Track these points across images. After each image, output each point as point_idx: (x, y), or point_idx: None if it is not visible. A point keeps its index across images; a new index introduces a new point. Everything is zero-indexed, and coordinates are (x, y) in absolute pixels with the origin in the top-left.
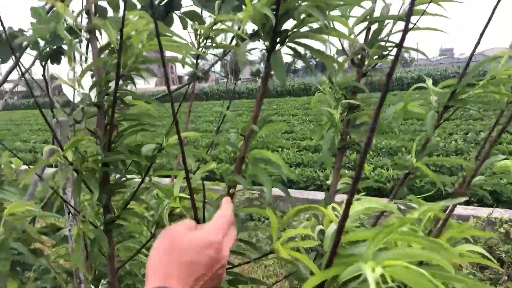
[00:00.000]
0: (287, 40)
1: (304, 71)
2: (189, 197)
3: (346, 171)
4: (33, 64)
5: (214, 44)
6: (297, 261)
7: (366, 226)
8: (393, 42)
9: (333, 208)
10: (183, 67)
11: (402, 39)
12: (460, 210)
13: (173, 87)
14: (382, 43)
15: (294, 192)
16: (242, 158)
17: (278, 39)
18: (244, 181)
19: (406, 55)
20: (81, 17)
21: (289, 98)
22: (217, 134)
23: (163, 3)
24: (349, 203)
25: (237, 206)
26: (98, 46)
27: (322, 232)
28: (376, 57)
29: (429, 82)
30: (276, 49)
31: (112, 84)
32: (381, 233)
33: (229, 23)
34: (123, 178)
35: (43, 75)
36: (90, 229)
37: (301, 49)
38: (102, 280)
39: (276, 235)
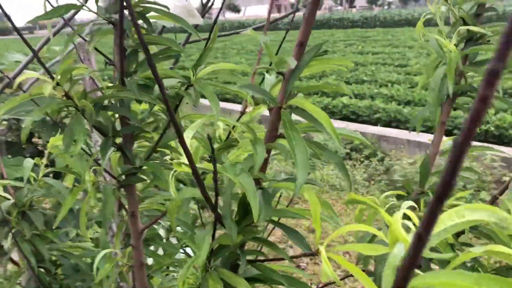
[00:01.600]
0: None
1: None
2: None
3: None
4: None
5: None
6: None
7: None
8: None
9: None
10: None
11: None
12: None
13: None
14: None
15: (400, 133)
16: (278, 109)
17: None
18: (263, 153)
19: None
20: None
21: (406, 28)
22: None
23: None
24: (431, 219)
25: (270, 179)
26: None
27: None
28: None
29: None
30: None
31: None
32: None
33: None
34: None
35: None
36: (101, 182)
37: None
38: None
39: (320, 229)
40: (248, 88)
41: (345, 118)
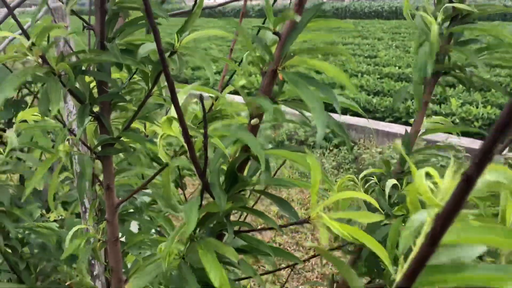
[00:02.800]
0: None
1: None
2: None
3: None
4: None
5: None
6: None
7: None
8: None
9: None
10: None
11: None
12: None
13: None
14: None
15: (368, 123)
16: (273, 71)
17: None
18: (271, 106)
19: None
20: None
21: (376, 20)
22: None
23: None
24: (486, 156)
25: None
26: None
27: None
28: None
29: None
30: None
31: None
32: None
33: None
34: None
35: None
36: (76, 153)
37: None
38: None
39: (316, 197)
40: (251, 38)
41: None
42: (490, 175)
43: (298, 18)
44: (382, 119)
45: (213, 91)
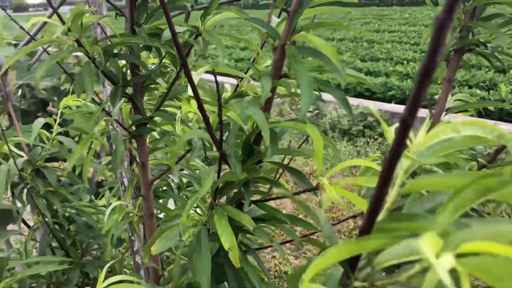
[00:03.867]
0: None
1: None
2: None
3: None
4: None
5: None
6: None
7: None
8: None
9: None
10: None
11: None
12: None
13: None
14: None
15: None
16: (282, 47)
17: None
18: (268, 84)
19: None
20: None
21: (424, 7)
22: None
23: None
24: (406, 125)
25: (273, 121)
26: None
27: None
28: None
29: None
30: None
31: None
32: (469, 188)
33: None
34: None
35: None
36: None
37: None
38: None
39: (321, 165)
40: (255, 21)
41: (359, 95)
42: (466, 130)
43: None
44: (425, 106)
45: (232, 70)
